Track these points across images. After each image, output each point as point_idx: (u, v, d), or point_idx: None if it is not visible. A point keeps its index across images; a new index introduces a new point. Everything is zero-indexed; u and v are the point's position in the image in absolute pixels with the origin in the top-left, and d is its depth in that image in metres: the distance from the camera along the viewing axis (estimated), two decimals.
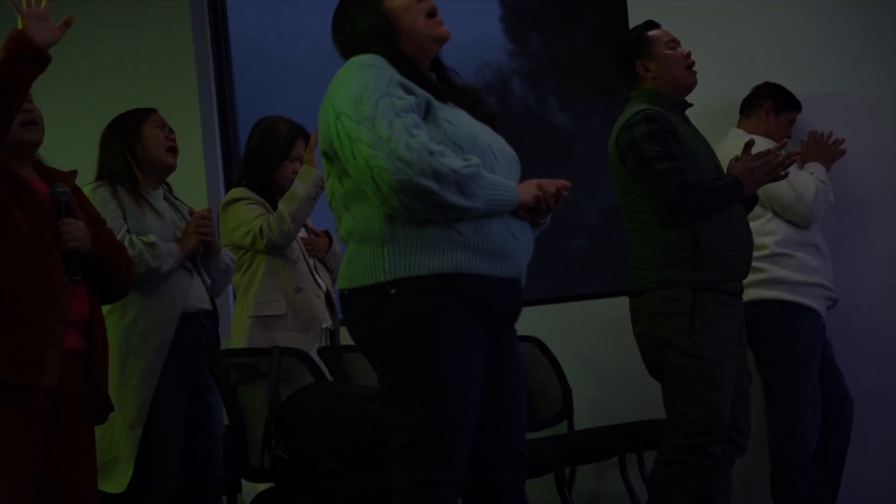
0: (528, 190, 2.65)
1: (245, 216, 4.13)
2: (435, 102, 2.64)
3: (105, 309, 3.67)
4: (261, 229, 4.09)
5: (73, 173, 3.24)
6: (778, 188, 4.34)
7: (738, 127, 4.61)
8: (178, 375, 3.72)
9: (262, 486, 3.80)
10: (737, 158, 3.75)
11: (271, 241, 4.09)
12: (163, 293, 3.73)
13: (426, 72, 2.77)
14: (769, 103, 4.57)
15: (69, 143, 5.82)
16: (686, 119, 3.85)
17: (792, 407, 4.32)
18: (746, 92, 4.67)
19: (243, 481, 4.24)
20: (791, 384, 4.33)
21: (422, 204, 2.49)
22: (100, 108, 5.75)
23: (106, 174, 3.84)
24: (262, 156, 4.25)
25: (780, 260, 4.39)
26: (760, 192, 4.27)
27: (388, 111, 2.51)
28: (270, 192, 4.25)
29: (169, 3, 5.82)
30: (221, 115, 5.91)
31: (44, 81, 6.12)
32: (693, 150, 3.70)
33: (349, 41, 2.76)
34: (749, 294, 4.29)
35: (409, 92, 2.60)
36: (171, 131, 3.92)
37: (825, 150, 4.66)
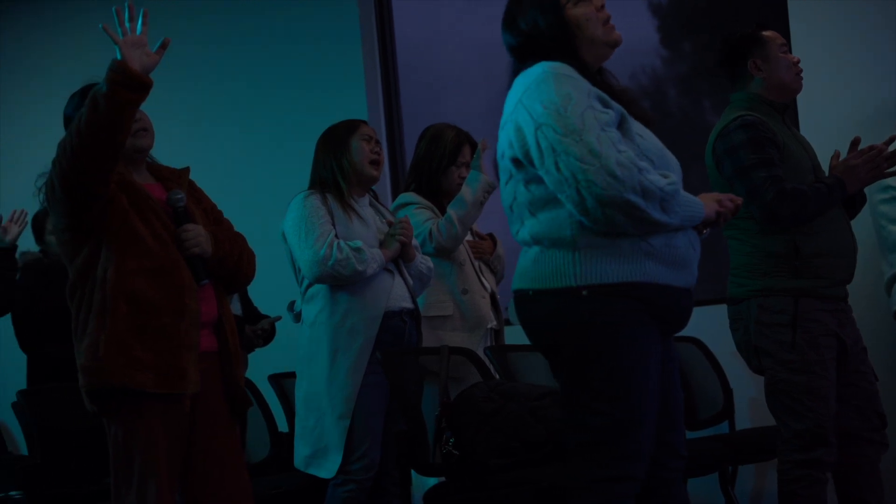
0: (710, 205, 2.70)
1: (415, 220, 4.25)
2: (628, 116, 2.66)
3: (316, 308, 3.88)
4: (430, 233, 4.23)
5: (186, 170, 3.24)
6: None
7: None
8: (380, 371, 3.86)
9: (431, 480, 3.94)
10: (838, 157, 3.69)
11: (440, 245, 4.23)
12: (368, 294, 3.88)
13: (612, 83, 2.79)
14: None
15: (242, 148, 6.10)
16: (786, 122, 3.80)
17: None
18: None
19: (413, 475, 4.38)
20: None
21: (625, 218, 2.53)
22: (271, 115, 6.00)
23: (316, 183, 4.02)
24: (430, 162, 4.38)
25: None
26: None
27: (593, 125, 2.54)
28: (438, 196, 4.38)
29: (338, 15, 6.00)
30: (388, 121, 6.05)
31: (220, 87, 6.40)
32: (792, 156, 3.65)
33: (528, 42, 2.74)
34: None
35: (606, 105, 2.62)
36: (378, 143, 4.05)
37: None
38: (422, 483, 4.18)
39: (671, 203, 2.56)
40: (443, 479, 3.70)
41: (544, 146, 2.57)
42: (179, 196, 3.09)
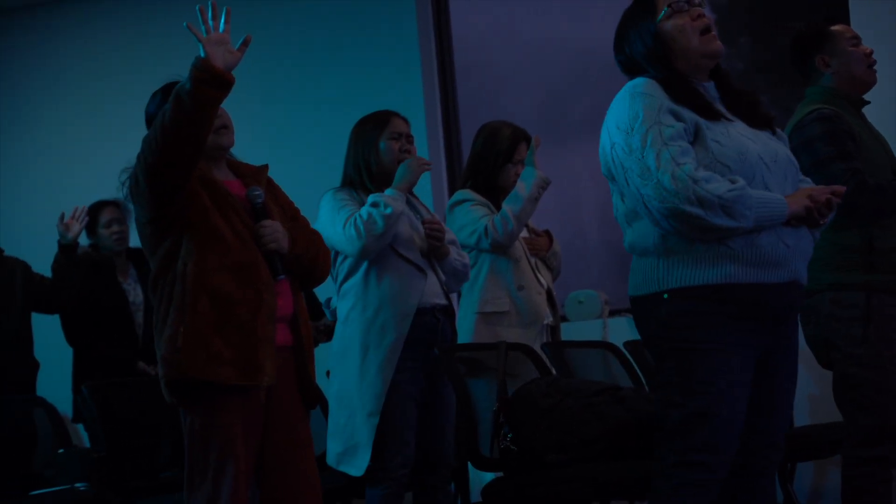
0: (799, 201, 2.76)
1: (470, 216, 4.30)
2: (704, 124, 2.76)
3: (348, 304, 3.90)
4: (486, 229, 4.26)
5: (265, 168, 3.29)
6: None
7: None
8: (412, 367, 3.88)
9: (488, 476, 3.96)
10: None
11: (496, 241, 4.26)
12: (400, 291, 3.88)
13: (701, 88, 2.87)
14: None
15: (301, 143, 6.17)
16: (862, 117, 3.77)
17: None
18: None
19: (470, 470, 4.40)
20: None
21: (688, 227, 2.69)
22: (328, 114, 6.06)
23: (347, 181, 4.03)
24: (487, 159, 4.42)
25: None
26: None
27: (656, 141, 2.70)
28: (494, 193, 4.41)
29: (396, 14, 6.05)
30: (445, 119, 6.10)
31: (281, 85, 6.45)
32: (869, 150, 3.62)
33: (629, 62, 2.92)
34: None
35: (678, 118, 2.74)
36: (409, 138, 4.01)
37: None
38: (478, 478, 4.20)
39: (735, 207, 2.66)
40: (499, 474, 3.72)
41: (616, 163, 2.79)
42: (258, 192, 3.16)
